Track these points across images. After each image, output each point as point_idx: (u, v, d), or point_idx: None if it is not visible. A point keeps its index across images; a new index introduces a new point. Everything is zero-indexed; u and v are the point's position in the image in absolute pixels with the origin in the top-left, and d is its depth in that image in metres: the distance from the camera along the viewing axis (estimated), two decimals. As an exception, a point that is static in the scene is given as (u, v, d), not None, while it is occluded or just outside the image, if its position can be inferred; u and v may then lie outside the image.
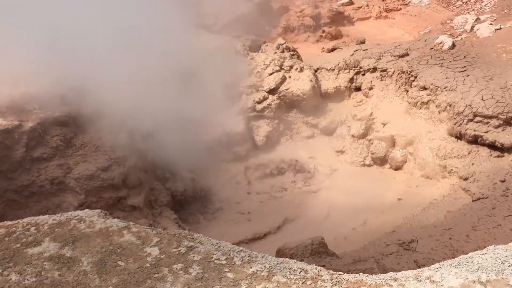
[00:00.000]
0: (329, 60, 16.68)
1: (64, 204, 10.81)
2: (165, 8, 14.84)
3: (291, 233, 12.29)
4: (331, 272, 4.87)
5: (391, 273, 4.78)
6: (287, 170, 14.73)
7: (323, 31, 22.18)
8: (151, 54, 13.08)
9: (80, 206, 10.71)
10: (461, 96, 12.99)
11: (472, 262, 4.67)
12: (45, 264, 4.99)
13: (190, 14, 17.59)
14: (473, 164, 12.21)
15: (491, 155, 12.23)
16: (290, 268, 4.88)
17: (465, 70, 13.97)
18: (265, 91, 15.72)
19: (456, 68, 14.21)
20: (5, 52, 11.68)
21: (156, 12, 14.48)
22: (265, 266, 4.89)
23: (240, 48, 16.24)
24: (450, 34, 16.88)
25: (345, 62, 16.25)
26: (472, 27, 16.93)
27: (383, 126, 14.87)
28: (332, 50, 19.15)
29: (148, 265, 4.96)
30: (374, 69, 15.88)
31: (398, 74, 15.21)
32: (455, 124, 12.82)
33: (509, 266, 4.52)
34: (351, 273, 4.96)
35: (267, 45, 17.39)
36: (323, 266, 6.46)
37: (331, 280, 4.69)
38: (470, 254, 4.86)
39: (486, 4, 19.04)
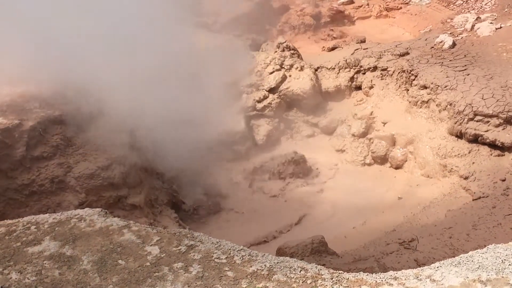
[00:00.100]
0: (330, 59, 16.68)
1: (65, 203, 10.79)
2: (165, 7, 14.82)
3: (291, 232, 12.30)
4: (332, 271, 4.87)
5: (391, 272, 4.78)
6: (287, 169, 14.72)
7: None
8: (152, 53, 13.07)
9: (81, 205, 10.70)
10: (461, 95, 12.99)
11: (472, 261, 4.66)
12: (45, 263, 4.99)
13: (190, 13, 17.59)
14: (473, 163, 12.21)
15: (491, 154, 12.23)
16: (290, 267, 4.87)
17: (465, 69, 13.96)
18: (266, 90, 15.72)
19: (456, 67, 14.21)
20: (6, 50, 11.66)
21: (156, 12, 14.47)
22: (265, 265, 4.89)
23: (241, 47, 16.23)
24: (450, 33, 16.85)
25: (346, 61, 16.25)
26: (473, 26, 16.91)
27: (384, 125, 14.87)
28: (333, 49, 19.15)
29: (148, 264, 4.96)
30: (375, 68, 15.89)
31: (399, 73, 15.20)
32: (455, 123, 12.81)
33: (510, 265, 4.51)
34: (352, 272, 4.96)
35: (267, 44, 17.40)
36: (323, 265, 6.45)
37: (332, 279, 4.69)
38: (470, 253, 4.86)
39: (486, 3, 18.99)
